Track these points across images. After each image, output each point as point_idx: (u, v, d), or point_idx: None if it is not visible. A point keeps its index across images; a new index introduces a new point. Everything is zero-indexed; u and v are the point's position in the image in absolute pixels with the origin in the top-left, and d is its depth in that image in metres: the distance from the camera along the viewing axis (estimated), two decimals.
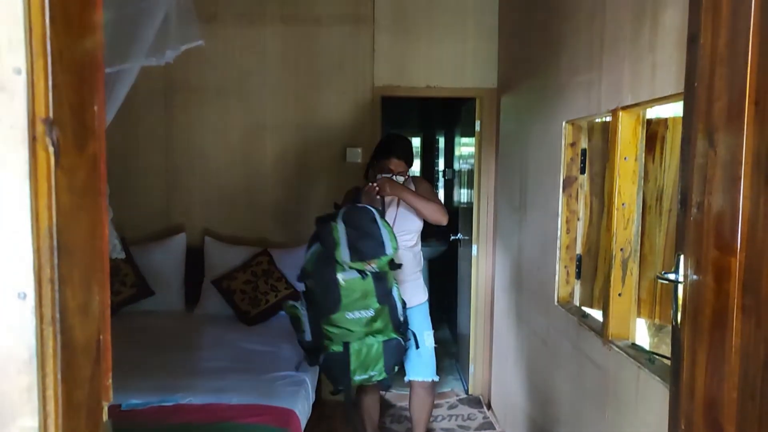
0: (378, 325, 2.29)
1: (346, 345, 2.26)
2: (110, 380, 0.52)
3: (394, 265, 2.32)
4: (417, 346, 2.58)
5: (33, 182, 0.42)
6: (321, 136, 3.67)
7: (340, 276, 2.20)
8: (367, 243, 2.22)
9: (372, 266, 2.21)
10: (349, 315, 2.22)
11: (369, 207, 2.35)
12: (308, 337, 2.30)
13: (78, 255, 0.46)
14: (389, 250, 2.23)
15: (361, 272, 2.22)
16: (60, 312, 0.43)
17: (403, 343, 2.38)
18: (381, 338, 2.30)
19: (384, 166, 2.65)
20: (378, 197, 2.50)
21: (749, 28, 1.00)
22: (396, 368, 2.44)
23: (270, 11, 3.59)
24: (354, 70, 3.62)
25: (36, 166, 0.42)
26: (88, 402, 0.47)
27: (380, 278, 2.25)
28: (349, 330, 2.24)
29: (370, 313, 2.24)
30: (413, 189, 2.69)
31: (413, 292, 2.71)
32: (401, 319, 2.38)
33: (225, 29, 3.55)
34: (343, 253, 2.19)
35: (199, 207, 3.72)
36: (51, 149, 0.42)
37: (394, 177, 2.62)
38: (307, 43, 3.60)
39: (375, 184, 2.51)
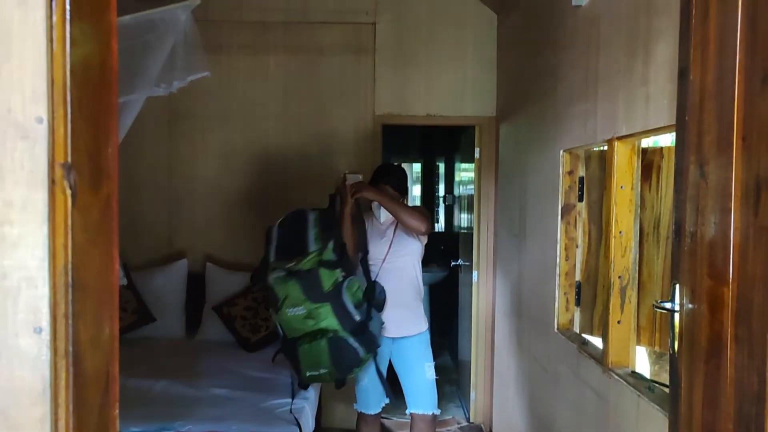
0: (323, 324, 2.31)
1: (293, 341, 2.34)
2: (117, 410, 0.54)
3: (332, 264, 2.34)
4: (372, 352, 2.45)
5: (51, 223, 0.45)
6: (323, 163, 3.71)
7: (270, 276, 2.33)
8: (293, 243, 2.34)
9: (294, 264, 2.31)
10: (289, 311, 2.31)
11: (308, 210, 2.50)
12: (280, 332, 2.43)
13: (90, 290, 0.48)
14: (311, 247, 2.32)
15: (287, 271, 2.31)
16: (73, 345, 0.46)
17: (354, 343, 2.35)
18: (331, 336, 2.34)
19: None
20: (353, 199, 2.53)
21: (735, 66, 1.04)
22: (354, 369, 2.43)
23: (273, 41, 3.67)
24: (355, 99, 3.69)
25: (54, 207, 0.45)
26: (97, 430, 0.49)
27: (305, 276, 2.29)
28: (294, 327, 2.33)
29: (302, 310, 2.30)
30: None
31: (412, 320, 2.70)
32: (356, 319, 2.36)
33: (229, 59, 3.63)
34: (271, 255, 2.37)
35: (201, 233, 3.75)
36: (68, 191, 0.45)
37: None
38: (309, 73, 3.68)
39: (350, 184, 2.51)
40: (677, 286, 1.31)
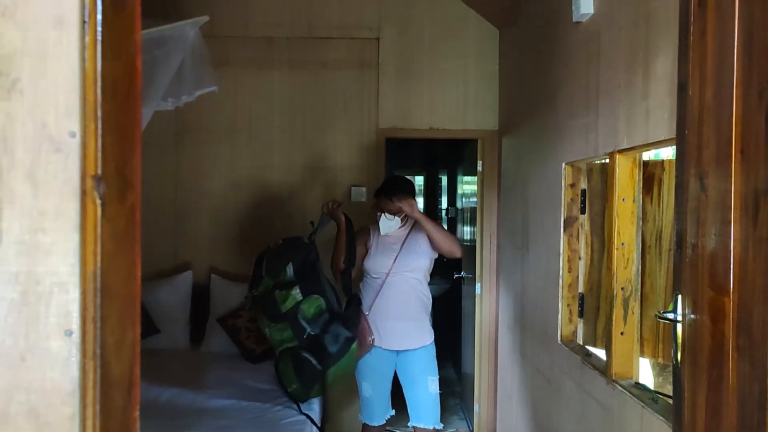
0: (286, 342, 2.54)
1: (278, 360, 2.65)
2: (138, 412, 0.56)
3: (288, 285, 2.57)
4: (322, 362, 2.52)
5: (82, 231, 0.47)
6: (327, 176, 3.75)
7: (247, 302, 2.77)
8: (274, 268, 2.65)
9: (254, 291, 2.67)
10: (266, 331, 2.61)
11: (294, 241, 2.73)
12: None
13: (116, 296, 0.51)
14: (263, 272, 2.65)
15: (252, 297, 2.69)
16: (100, 348, 0.48)
17: (309, 357, 2.49)
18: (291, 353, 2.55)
19: (383, 205, 2.71)
20: (394, 215, 2.66)
21: (732, 81, 1.07)
22: (315, 383, 2.57)
23: (278, 56, 3.73)
24: (359, 113, 3.73)
25: (85, 216, 0.47)
26: (120, 431, 0.51)
27: (263, 301, 2.60)
28: (275, 344, 2.61)
29: (265, 329, 2.61)
30: (420, 230, 2.73)
31: (416, 334, 2.71)
32: (308, 333, 2.50)
33: (235, 73, 3.68)
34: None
35: (206, 245, 3.77)
36: (98, 202, 0.48)
37: (385, 216, 2.69)
38: (314, 87, 3.72)
39: (395, 200, 2.61)
40: (679, 296, 1.33)
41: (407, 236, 2.75)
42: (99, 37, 0.47)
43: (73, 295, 0.47)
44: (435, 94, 3.74)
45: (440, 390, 2.80)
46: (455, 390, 4.58)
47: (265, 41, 3.71)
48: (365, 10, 3.72)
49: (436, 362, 2.77)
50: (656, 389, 2.16)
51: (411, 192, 2.80)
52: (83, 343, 0.47)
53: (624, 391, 1.86)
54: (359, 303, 2.71)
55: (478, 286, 3.80)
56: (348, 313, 2.60)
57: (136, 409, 0.54)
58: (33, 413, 0.47)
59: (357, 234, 2.80)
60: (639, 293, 2.01)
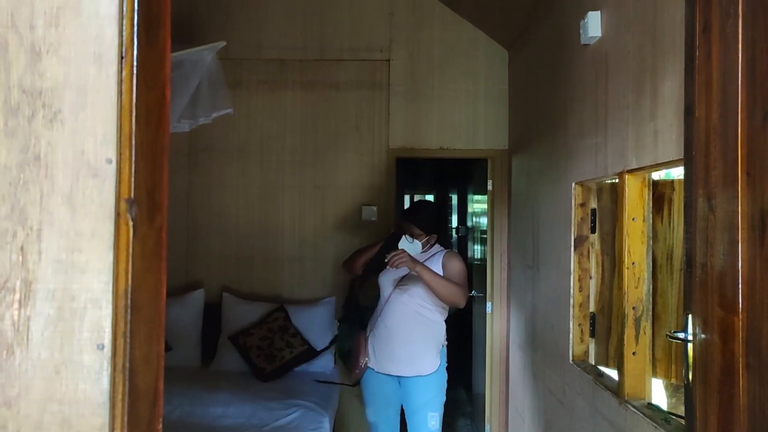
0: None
1: None
2: (161, 425, 0.58)
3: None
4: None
5: (116, 251, 0.50)
6: (337, 195, 3.79)
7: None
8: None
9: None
10: None
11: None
12: None
13: (144, 312, 0.53)
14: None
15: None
16: (129, 361, 0.51)
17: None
18: None
19: (405, 228, 2.71)
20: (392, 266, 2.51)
21: (738, 104, 1.09)
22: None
23: (291, 78, 3.80)
24: (370, 133, 3.79)
25: (119, 237, 0.50)
26: None
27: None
28: None
29: None
30: (440, 259, 2.66)
31: (415, 361, 2.61)
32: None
33: (248, 94, 3.76)
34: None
35: (218, 263, 3.81)
36: (130, 223, 0.51)
37: (406, 238, 2.64)
38: (325, 107, 3.79)
39: (392, 255, 2.49)
40: (690, 316, 1.33)
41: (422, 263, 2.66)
42: (134, 71, 0.51)
43: (106, 311, 0.50)
44: (445, 115, 3.79)
45: (451, 410, 2.75)
46: (466, 410, 4.55)
47: (277, 63, 3.79)
48: (376, 32, 3.79)
49: (441, 397, 2.64)
50: (669, 410, 2.14)
51: (431, 217, 2.74)
52: (114, 357, 0.50)
53: (636, 411, 1.85)
54: (358, 312, 2.73)
55: (488, 305, 3.80)
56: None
57: (159, 421, 0.57)
58: (65, 423, 0.50)
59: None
60: (651, 313, 2.01)
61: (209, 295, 3.71)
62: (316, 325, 3.54)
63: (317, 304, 3.64)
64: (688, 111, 1.36)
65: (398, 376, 2.66)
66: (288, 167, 3.80)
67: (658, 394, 2.71)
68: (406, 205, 6.59)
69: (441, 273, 2.65)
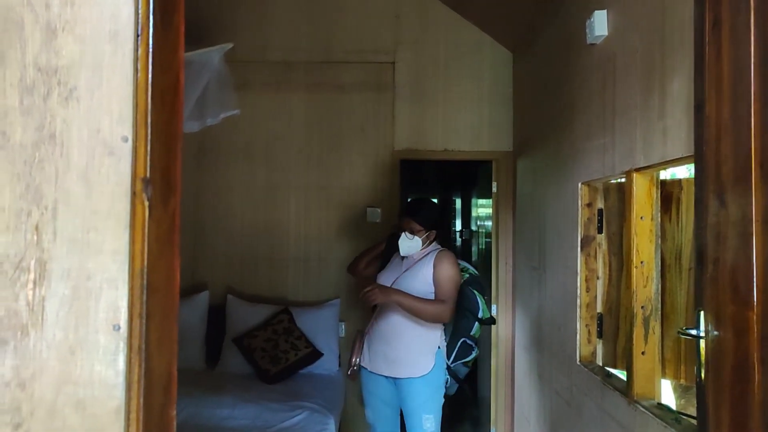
0: None
1: None
2: (175, 411, 0.57)
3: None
4: None
5: (132, 230, 0.50)
6: (342, 197, 3.79)
7: None
8: None
9: None
10: None
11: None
12: None
13: (160, 294, 0.53)
14: None
15: None
16: (145, 343, 0.50)
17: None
18: None
19: (404, 225, 2.66)
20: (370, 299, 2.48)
21: (750, 100, 1.08)
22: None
23: (296, 79, 3.81)
24: (375, 135, 3.79)
25: (134, 216, 0.50)
26: (159, 427, 0.53)
27: None
28: None
29: None
30: (432, 259, 2.62)
31: (408, 363, 2.56)
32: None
33: (254, 97, 3.76)
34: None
35: (223, 265, 3.81)
36: (146, 203, 0.50)
37: (406, 235, 2.61)
38: (330, 109, 3.79)
39: (366, 290, 2.46)
40: (701, 313, 1.32)
41: (413, 264, 2.65)
42: (151, 50, 0.50)
43: (122, 291, 0.50)
44: (450, 117, 3.78)
45: (455, 413, 2.74)
46: (471, 414, 4.52)
47: (283, 65, 3.80)
48: (381, 35, 3.80)
49: (438, 399, 2.60)
50: (678, 411, 2.12)
51: (430, 214, 2.69)
52: (130, 338, 0.49)
53: (646, 411, 1.84)
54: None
55: (494, 307, 3.78)
56: None
57: (173, 407, 0.56)
58: (80, 405, 0.49)
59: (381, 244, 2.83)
60: (659, 312, 1.99)
61: (213, 296, 3.71)
62: (321, 327, 3.53)
63: (322, 306, 3.63)
64: (699, 108, 1.36)
65: (392, 378, 2.63)
66: (293, 169, 3.80)
67: (667, 395, 2.69)
68: None
69: (431, 273, 2.60)
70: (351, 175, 3.80)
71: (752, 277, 1.07)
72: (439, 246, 2.72)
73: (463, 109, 3.78)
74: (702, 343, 1.32)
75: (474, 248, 5.00)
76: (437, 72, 3.80)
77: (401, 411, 2.69)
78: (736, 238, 1.14)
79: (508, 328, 3.74)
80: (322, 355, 3.44)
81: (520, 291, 3.57)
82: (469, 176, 5.41)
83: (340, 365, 3.53)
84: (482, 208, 4.44)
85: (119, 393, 0.49)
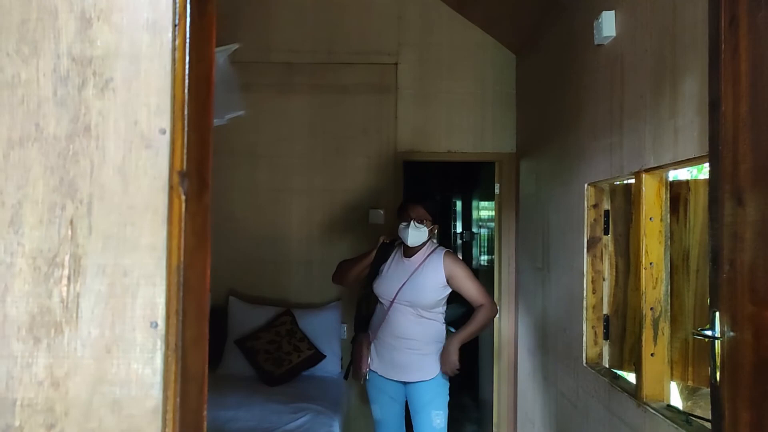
0: None
1: None
2: (206, 411, 0.56)
3: None
4: None
5: (169, 225, 0.48)
6: (345, 199, 3.77)
7: None
8: None
9: None
10: None
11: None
12: None
13: (194, 290, 0.51)
14: None
15: None
16: (182, 341, 0.48)
17: None
18: None
19: (405, 212, 2.59)
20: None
21: None
22: None
23: (299, 81, 3.79)
24: (378, 136, 3.77)
25: (172, 211, 0.48)
26: (194, 427, 0.51)
27: None
28: None
29: None
30: (440, 260, 2.61)
31: (422, 366, 2.59)
32: None
33: (257, 98, 3.75)
34: None
35: (225, 267, 3.78)
36: (183, 197, 0.49)
37: (413, 223, 2.55)
38: (333, 111, 3.78)
39: (450, 365, 2.58)
40: (717, 314, 1.31)
41: (417, 268, 2.61)
42: (188, 40, 0.49)
43: (160, 288, 0.48)
44: (453, 118, 3.78)
45: (457, 416, 2.74)
46: (472, 417, 4.50)
47: (286, 67, 3.79)
48: (384, 36, 3.79)
49: (444, 396, 2.63)
50: (687, 413, 2.11)
51: (432, 202, 2.66)
52: (167, 336, 0.48)
53: (656, 413, 1.83)
54: (364, 323, 2.71)
55: None
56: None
57: (204, 407, 0.55)
58: (116, 405, 0.48)
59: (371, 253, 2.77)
60: (668, 314, 1.99)
61: (215, 298, 3.68)
62: (323, 329, 3.51)
63: (324, 308, 3.61)
64: (714, 106, 1.35)
65: (406, 382, 2.65)
66: (296, 170, 3.79)
67: (674, 397, 2.68)
68: None
69: (443, 274, 2.61)
70: (354, 176, 3.79)
71: None
72: (436, 243, 2.72)
73: (466, 110, 3.78)
74: (717, 344, 1.31)
75: (475, 251, 4.99)
76: (440, 73, 3.80)
77: (406, 407, 2.70)
78: (756, 239, 1.13)
79: (510, 330, 3.73)
80: (324, 357, 3.42)
81: (524, 292, 3.56)
82: (469, 178, 5.40)
83: (342, 367, 3.51)
84: (484, 210, 4.44)
85: (156, 392, 0.47)
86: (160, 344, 0.48)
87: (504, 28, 3.64)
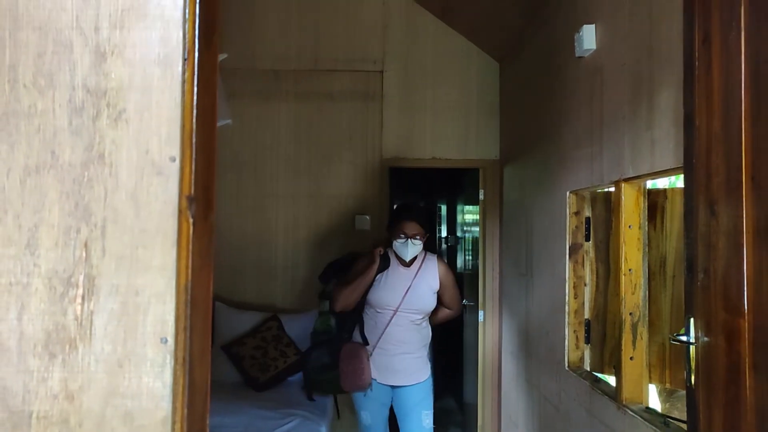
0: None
1: None
2: (208, 420, 0.59)
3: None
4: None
5: (178, 247, 0.51)
6: (331, 204, 3.80)
7: None
8: None
9: None
10: None
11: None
12: None
13: (200, 308, 0.54)
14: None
15: None
16: (189, 355, 0.52)
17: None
18: None
19: (400, 229, 2.65)
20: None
21: (741, 113, 1.14)
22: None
23: (285, 88, 3.82)
24: (363, 143, 3.81)
25: (180, 233, 0.52)
26: None
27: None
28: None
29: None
30: (434, 267, 2.74)
31: (415, 371, 2.69)
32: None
33: (242, 105, 3.76)
34: None
35: None
36: (191, 220, 0.52)
37: (410, 241, 2.63)
38: (319, 118, 3.81)
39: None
40: (692, 320, 1.37)
41: (416, 275, 2.70)
42: (196, 73, 0.52)
43: (170, 306, 0.51)
44: (437, 125, 3.83)
45: (441, 419, 2.80)
46: (456, 420, 4.55)
47: (272, 74, 3.81)
48: (370, 44, 3.83)
49: (432, 396, 2.75)
50: (665, 414, 2.18)
51: (425, 216, 2.74)
52: (176, 351, 0.51)
53: (635, 415, 1.88)
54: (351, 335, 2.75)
55: (480, 313, 3.82)
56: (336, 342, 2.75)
57: (207, 417, 0.58)
58: (128, 416, 0.50)
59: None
60: (647, 318, 2.05)
61: None
62: (310, 334, 3.53)
63: (310, 314, 3.63)
64: (688, 120, 1.41)
65: (395, 386, 2.72)
66: (282, 177, 3.81)
67: (652, 399, 2.75)
68: None
69: (437, 279, 2.73)
70: (339, 183, 3.82)
71: (743, 286, 1.12)
72: (425, 251, 2.78)
73: (450, 117, 3.83)
74: (692, 348, 1.37)
75: (459, 255, 5.04)
76: (425, 81, 3.85)
77: (392, 410, 2.75)
78: (728, 248, 1.19)
79: (495, 334, 3.78)
80: None
81: (508, 297, 3.61)
82: (454, 183, 5.46)
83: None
84: (468, 215, 4.49)
85: (166, 404, 0.50)
86: (169, 359, 0.51)
87: (487, 36, 3.71)
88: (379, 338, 2.68)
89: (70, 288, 0.51)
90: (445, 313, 2.83)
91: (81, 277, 0.51)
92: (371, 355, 2.68)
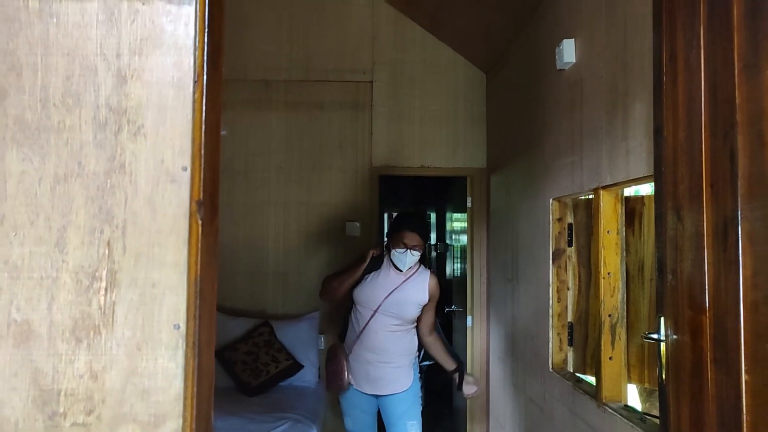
0: None
1: None
2: (212, 401, 0.66)
3: None
4: None
5: (189, 245, 0.59)
6: (321, 212, 3.88)
7: None
8: None
9: None
10: None
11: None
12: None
13: (207, 300, 0.62)
14: None
15: None
16: (198, 340, 0.59)
17: None
18: None
19: (400, 239, 2.65)
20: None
21: (701, 125, 1.23)
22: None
23: (276, 98, 3.90)
24: (353, 151, 3.90)
25: (191, 233, 0.59)
26: (206, 416, 0.62)
27: None
28: None
29: None
30: (426, 281, 2.74)
31: (397, 379, 2.68)
32: None
33: (234, 114, 3.84)
34: None
35: None
36: (200, 222, 0.60)
37: (410, 252, 2.64)
38: (309, 127, 3.89)
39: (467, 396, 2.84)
40: (662, 318, 1.46)
41: (405, 281, 2.70)
42: (204, 94, 0.60)
43: (182, 297, 0.58)
44: (426, 134, 3.93)
45: (431, 425, 2.82)
46: (445, 424, 4.61)
47: (263, 84, 3.89)
48: (360, 55, 3.93)
49: (419, 406, 2.72)
50: (643, 412, 2.26)
51: (424, 226, 2.75)
52: (187, 336, 0.58)
53: (614, 413, 1.97)
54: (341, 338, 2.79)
55: (469, 318, 3.90)
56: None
57: (212, 402, 0.65)
58: (145, 394, 0.57)
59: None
60: (625, 320, 2.14)
61: None
62: (301, 339, 3.59)
63: (302, 319, 3.69)
64: (657, 131, 1.51)
65: (376, 395, 2.72)
66: (273, 185, 3.88)
67: (633, 398, 2.84)
68: (387, 221, 6.69)
69: (426, 295, 2.73)
70: (330, 190, 3.90)
71: (705, 285, 1.20)
72: (419, 264, 2.80)
73: (438, 126, 3.93)
74: (663, 346, 1.46)
75: (449, 262, 5.13)
76: (413, 91, 3.95)
77: (379, 418, 2.78)
78: (692, 250, 1.28)
79: (483, 339, 3.86)
80: (302, 367, 3.50)
81: (495, 302, 3.70)
82: (443, 191, 5.55)
83: (319, 377, 3.59)
84: (457, 222, 4.59)
85: (179, 382, 0.58)
86: (181, 343, 0.58)
87: (474, 48, 3.82)
88: (356, 341, 2.68)
89: (94, 281, 0.58)
90: (447, 346, 2.84)
91: (104, 272, 0.58)
92: (347, 360, 2.69)
